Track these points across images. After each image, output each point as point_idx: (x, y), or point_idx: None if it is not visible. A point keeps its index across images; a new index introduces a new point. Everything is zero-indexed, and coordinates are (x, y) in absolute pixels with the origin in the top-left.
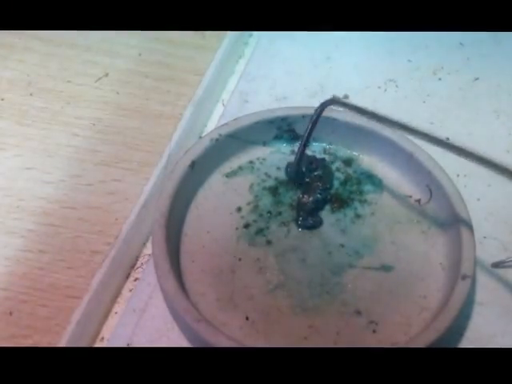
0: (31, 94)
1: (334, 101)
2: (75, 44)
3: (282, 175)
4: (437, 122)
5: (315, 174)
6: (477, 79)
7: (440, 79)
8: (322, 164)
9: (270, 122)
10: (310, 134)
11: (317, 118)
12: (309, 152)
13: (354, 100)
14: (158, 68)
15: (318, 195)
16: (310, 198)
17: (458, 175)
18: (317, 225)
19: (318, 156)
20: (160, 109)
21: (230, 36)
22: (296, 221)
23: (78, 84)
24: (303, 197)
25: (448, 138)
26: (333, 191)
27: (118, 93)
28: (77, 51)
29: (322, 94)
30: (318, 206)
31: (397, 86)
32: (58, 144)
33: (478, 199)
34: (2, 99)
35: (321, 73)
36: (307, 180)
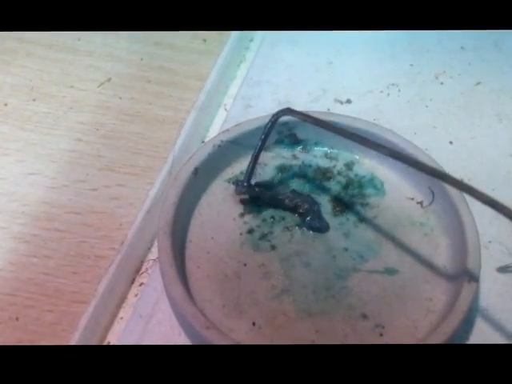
0: (34, 100)
1: (288, 110)
2: (77, 49)
3: None
4: (440, 126)
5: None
6: (479, 83)
7: (442, 83)
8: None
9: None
10: (262, 145)
11: (270, 129)
12: (309, 156)
13: (357, 105)
14: (160, 73)
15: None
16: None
17: (461, 180)
18: (323, 229)
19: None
20: (162, 114)
21: (231, 41)
22: (303, 221)
23: (80, 89)
24: (298, 210)
25: (451, 142)
26: (335, 195)
27: (120, 98)
28: (79, 56)
29: (325, 99)
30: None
31: (399, 91)
32: (61, 149)
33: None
34: (5, 104)
35: (323, 77)
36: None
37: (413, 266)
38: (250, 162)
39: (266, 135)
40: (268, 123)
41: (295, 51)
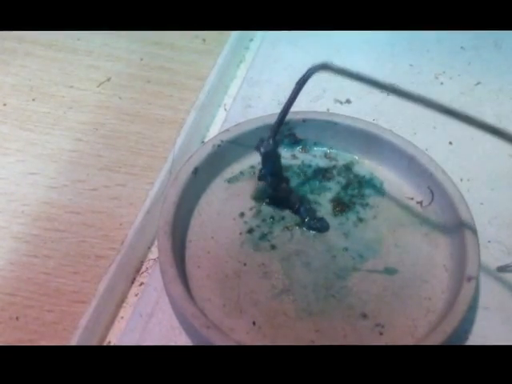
0: (34, 99)
1: (325, 66)
2: (76, 49)
3: None
4: (439, 127)
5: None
6: (478, 83)
7: (442, 84)
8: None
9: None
10: (293, 98)
11: (302, 83)
12: (309, 156)
13: (357, 105)
14: (160, 73)
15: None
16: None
17: (461, 179)
18: (323, 229)
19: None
20: (162, 113)
21: (231, 41)
22: (303, 221)
23: (80, 89)
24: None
25: (451, 142)
26: (335, 195)
27: (120, 98)
28: (78, 56)
29: (324, 99)
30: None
31: None
32: (61, 149)
33: (482, 203)
34: (5, 104)
35: (322, 77)
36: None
37: (412, 266)
38: (279, 117)
39: (298, 89)
40: (302, 78)
41: (294, 51)
